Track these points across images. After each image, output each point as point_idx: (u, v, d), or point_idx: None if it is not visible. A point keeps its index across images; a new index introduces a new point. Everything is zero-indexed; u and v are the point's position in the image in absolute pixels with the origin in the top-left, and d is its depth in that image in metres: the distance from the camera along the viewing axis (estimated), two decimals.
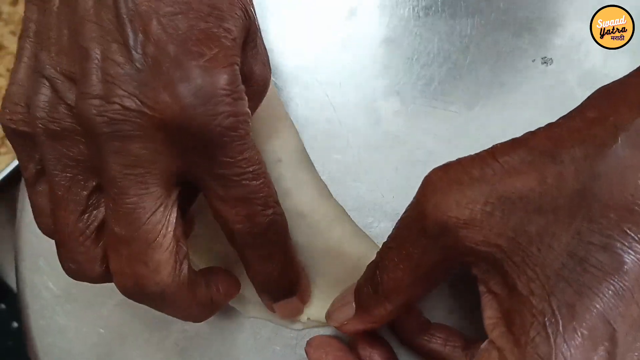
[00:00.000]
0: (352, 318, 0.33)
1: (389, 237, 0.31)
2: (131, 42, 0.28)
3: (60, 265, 0.38)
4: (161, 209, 0.29)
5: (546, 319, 0.26)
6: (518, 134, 0.38)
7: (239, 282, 0.36)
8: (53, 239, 0.32)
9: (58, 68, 0.29)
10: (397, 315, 0.33)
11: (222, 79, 0.28)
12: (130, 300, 0.37)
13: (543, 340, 0.26)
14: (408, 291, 0.30)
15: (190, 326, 0.37)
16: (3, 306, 0.76)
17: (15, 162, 0.68)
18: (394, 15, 0.41)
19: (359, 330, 0.34)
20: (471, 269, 0.29)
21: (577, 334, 0.25)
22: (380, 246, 0.37)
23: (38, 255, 0.39)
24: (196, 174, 0.30)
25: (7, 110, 0.31)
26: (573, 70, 0.40)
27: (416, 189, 0.38)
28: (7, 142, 0.74)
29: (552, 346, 0.25)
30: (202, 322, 0.36)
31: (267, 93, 0.37)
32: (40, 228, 0.33)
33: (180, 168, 0.30)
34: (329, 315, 0.35)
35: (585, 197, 0.26)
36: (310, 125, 0.39)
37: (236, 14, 0.30)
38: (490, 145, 0.35)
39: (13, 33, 0.77)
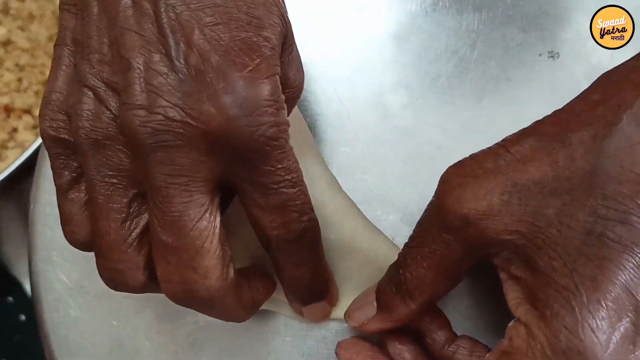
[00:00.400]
0: (373, 317, 0.34)
1: (410, 237, 0.32)
2: (173, 53, 0.27)
3: (72, 258, 0.39)
4: (206, 215, 0.29)
5: (570, 293, 0.26)
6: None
7: (274, 281, 0.36)
8: (81, 249, 0.32)
9: (99, 77, 0.29)
10: (426, 329, 0.34)
11: (266, 90, 0.28)
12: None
13: (568, 313, 0.26)
14: (431, 289, 0.31)
15: (201, 317, 0.37)
16: (10, 299, 0.76)
17: (24, 157, 0.67)
18: (402, 11, 0.41)
19: (379, 329, 0.34)
20: (491, 259, 0.29)
21: (602, 305, 0.26)
22: (390, 239, 0.37)
23: (51, 249, 0.39)
24: (235, 181, 0.30)
25: (48, 118, 0.30)
26: (580, 64, 0.40)
27: (424, 182, 0.38)
28: (16, 136, 0.75)
29: (578, 318, 0.26)
30: None
31: None
32: (67, 237, 0.32)
33: (221, 175, 0.30)
34: (348, 316, 0.35)
35: (597, 176, 0.27)
36: (319, 118, 0.40)
37: (274, 21, 0.30)
38: (497, 139, 0.36)
39: (21, 28, 0.76)
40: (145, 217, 0.30)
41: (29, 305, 0.73)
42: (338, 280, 0.37)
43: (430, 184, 0.38)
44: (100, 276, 0.31)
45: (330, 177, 0.38)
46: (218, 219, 0.30)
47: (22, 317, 0.75)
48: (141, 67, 0.28)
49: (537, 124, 0.30)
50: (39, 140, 0.67)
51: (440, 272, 0.30)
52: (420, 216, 0.38)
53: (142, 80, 0.28)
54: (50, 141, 0.31)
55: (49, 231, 0.39)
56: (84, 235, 0.31)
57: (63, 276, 0.38)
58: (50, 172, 0.40)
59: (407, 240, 0.32)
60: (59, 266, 0.39)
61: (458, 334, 0.35)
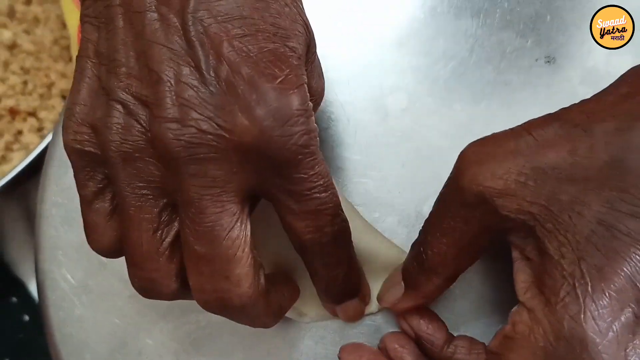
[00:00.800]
0: (402, 297, 0.34)
1: (430, 213, 0.32)
2: (203, 65, 0.28)
3: (77, 257, 0.39)
4: (237, 224, 0.29)
5: (576, 281, 0.27)
6: None
7: (297, 286, 0.37)
8: (106, 256, 0.32)
9: (127, 90, 0.29)
10: (423, 332, 0.35)
11: (297, 100, 0.28)
12: None
13: (573, 300, 0.26)
14: (454, 264, 0.31)
15: (203, 317, 0.38)
16: (14, 299, 0.76)
17: (29, 159, 0.67)
18: (402, 16, 0.42)
19: (410, 307, 0.35)
20: (507, 237, 0.30)
21: (605, 294, 0.26)
22: (390, 240, 0.37)
23: (56, 248, 0.39)
24: (268, 189, 0.30)
25: (72, 131, 0.30)
26: (575, 69, 0.40)
27: (422, 185, 0.38)
28: (21, 139, 0.75)
29: (581, 305, 0.26)
30: (215, 315, 0.37)
31: None
32: (92, 246, 0.32)
33: (253, 185, 0.30)
34: (380, 298, 0.36)
35: (616, 168, 0.27)
36: (319, 121, 0.40)
37: (298, 31, 0.30)
38: None
39: (27, 32, 0.77)
40: (175, 226, 0.30)
41: (33, 305, 0.74)
42: None
43: (429, 185, 0.38)
44: (133, 285, 0.31)
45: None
46: (248, 227, 0.30)
47: (26, 317, 0.76)
48: (172, 81, 0.28)
49: (563, 111, 0.30)
50: (44, 143, 0.67)
51: (461, 248, 0.30)
52: (417, 219, 0.38)
53: (173, 93, 0.28)
54: (75, 154, 0.31)
55: (54, 231, 0.40)
56: (108, 242, 0.32)
57: (68, 275, 0.39)
58: (56, 174, 0.41)
59: (427, 217, 0.32)
60: (65, 265, 0.39)
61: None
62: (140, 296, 0.37)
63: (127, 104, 0.29)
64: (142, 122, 0.29)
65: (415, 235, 0.32)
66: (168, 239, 0.30)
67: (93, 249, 0.32)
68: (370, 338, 0.37)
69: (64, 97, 0.76)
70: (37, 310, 0.70)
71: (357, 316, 0.37)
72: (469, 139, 0.38)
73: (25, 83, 0.76)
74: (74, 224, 0.39)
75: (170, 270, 0.30)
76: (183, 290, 0.31)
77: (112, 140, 0.29)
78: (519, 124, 0.38)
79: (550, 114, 0.30)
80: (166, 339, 0.37)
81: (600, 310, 0.26)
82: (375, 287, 0.37)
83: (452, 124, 0.39)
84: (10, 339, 0.74)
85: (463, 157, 0.30)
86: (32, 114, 0.75)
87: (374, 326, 0.37)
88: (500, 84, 0.40)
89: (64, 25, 0.77)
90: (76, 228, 0.39)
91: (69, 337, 0.38)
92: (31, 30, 0.77)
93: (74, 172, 0.31)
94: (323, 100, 0.40)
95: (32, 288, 0.75)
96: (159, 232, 0.30)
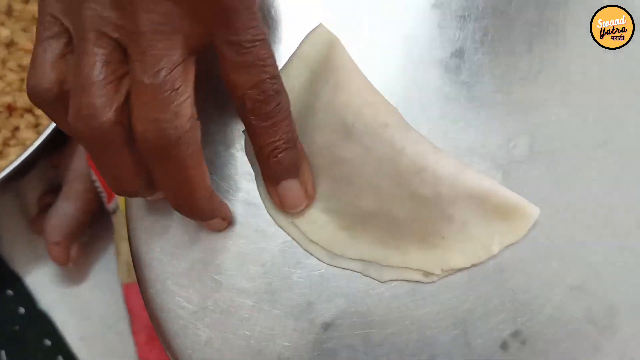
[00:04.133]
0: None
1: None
2: None
3: (188, 283, 0.37)
4: (183, 65, 0.31)
5: None
6: (567, 73, 0.38)
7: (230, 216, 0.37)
8: (41, 100, 0.33)
9: None
10: None
11: None
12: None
13: None
14: None
15: (334, 308, 0.36)
16: (10, 292, 0.73)
17: (25, 154, 0.64)
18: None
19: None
20: None
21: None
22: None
23: (165, 279, 0.36)
24: (212, 41, 0.32)
25: None
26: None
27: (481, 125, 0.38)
28: (17, 135, 0.71)
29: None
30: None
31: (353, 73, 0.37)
32: (31, 83, 0.32)
33: (198, 33, 0.31)
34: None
35: None
36: (384, 82, 0.38)
37: None
38: (550, 84, 0.37)
39: (24, 30, 0.72)
40: (125, 68, 0.31)
41: (28, 298, 0.72)
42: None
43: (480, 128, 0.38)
44: (70, 115, 0.31)
45: (427, 140, 0.37)
46: (193, 71, 0.32)
47: (21, 310, 0.73)
48: None
49: None
50: (40, 139, 0.65)
51: None
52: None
53: None
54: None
55: (158, 263, 0.37)
56: (49, 82, 0.32)
57: (184, 302, 0.36)
58: (139, 213, 0.38)
59: None
60: (177, 294, 0.36)
61: None
62: (266, 303, 0.36)
63: None
64: None
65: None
66: (117, 74, 0.31)
67: (29, 86, 0.33)
68: (404, 300, 0.35)
69: None
70: (33, 303, 0.70)
71: (296, 202, 0.36)
72: (528, 86, 0.38)
73: (22, 80, 0.72)
74: (175, 253, 0.37)
75: (113, 100, 0.31)
76: (118, 126, 0.31)
77: None
78: (538, 109, 0.37)
79: None
80: (302, 336, 0.35)
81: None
82: (489, 230, 0.35)
83: (510, 72, 0.39)
84: (6, 331, 0.71)
85: None
86: (29, 110, 0.72)
87: (409, 286, 0.36)
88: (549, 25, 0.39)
89: None
90: (178, 256, 0.37)
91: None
92: (28, 29, 0.73)
93: (39, 13, 0.33)
94: (386, 60, 0.39)
95: (28, 281, 0.72)
96: (111, 65, 0.31)
